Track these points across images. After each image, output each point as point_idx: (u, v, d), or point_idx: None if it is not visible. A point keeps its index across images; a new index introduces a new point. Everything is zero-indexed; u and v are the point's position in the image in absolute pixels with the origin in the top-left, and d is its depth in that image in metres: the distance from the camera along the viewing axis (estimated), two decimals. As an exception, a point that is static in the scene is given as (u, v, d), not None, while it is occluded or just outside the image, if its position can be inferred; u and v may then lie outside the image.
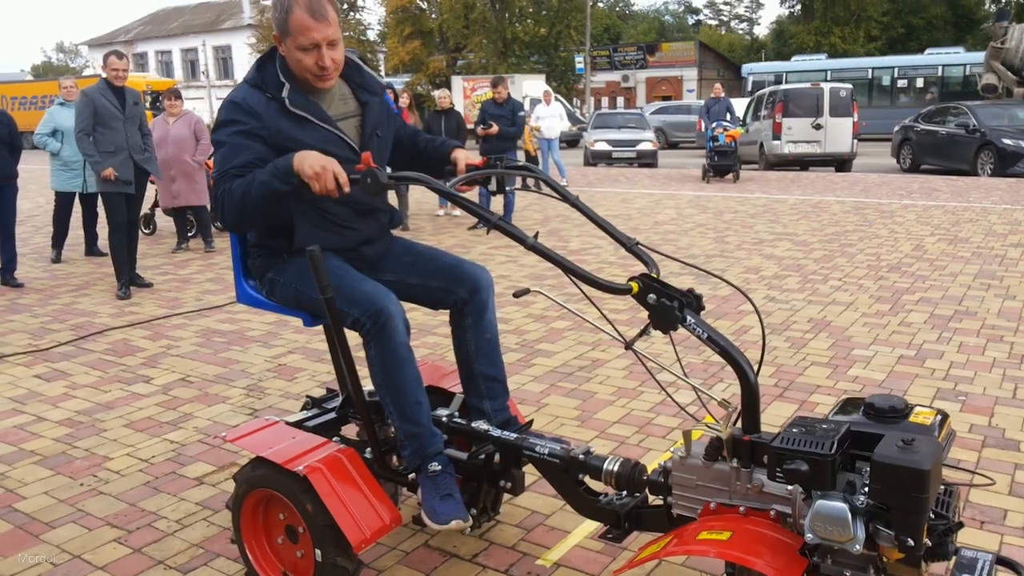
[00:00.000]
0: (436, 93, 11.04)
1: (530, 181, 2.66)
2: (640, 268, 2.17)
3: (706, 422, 2.05)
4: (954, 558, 1.85)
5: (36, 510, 3.16)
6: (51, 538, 2.95)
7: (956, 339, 5.10)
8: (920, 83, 30.29)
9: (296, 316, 2.59)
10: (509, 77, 19.89)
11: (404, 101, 10.82)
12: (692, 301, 2.07)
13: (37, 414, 4.19)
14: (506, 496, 2.84)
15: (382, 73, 43.56)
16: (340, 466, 2.35)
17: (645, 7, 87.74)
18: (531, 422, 2.75)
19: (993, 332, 5.23)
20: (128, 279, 6.92)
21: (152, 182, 8.20)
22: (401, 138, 2.75)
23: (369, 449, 2.53)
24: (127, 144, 6.76)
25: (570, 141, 26.82)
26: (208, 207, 9.01)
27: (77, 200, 8.40)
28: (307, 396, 2.94)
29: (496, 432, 2.52)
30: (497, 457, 2.51)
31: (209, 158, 8.64)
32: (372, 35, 47.40)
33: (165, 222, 10.41)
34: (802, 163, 18.42)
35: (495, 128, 9.79)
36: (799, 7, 50.74)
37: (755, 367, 2.03)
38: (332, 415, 2.80)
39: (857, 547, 1.74)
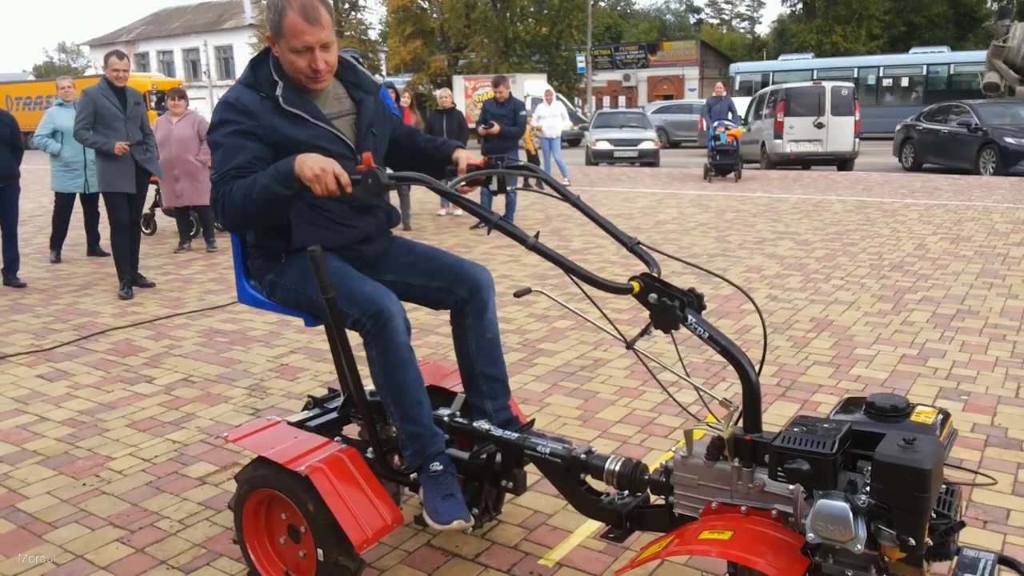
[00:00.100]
0: (438, 93, 11.04)
1: (531, 181, 2.65)
2: (642, 268, 2.17)
3: (708, 421, 2.05)
4: (956, 558, 1.84)
5: (39, 510, 3.16)
6: (54, 538, 2.95)
7: (958, 338, 5.09)
8: (905, 82, 30.36)
9: (297, 316, 2.59)
10: (511, 76, 19.88)
11: (405, 101, 10.83)
12: (693, 300, 2.07)
13: (40, 414, 4.20)
14: (508, 496, 2.84)
15: (384, 73, 43.59)
16: (342, 466, 2.35)
17: (646, 6, 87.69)
18: (533, 422, 2.75)
19: (995, 331, 5.23)
20: (130, 279, 6.93)
21: (154, 182, 8.22)
22: (398, 136, 2.75)
23: (371, 449, 2.54)
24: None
25: (572, 140, 26.80)
26: None
27: (78, 201, 8.41)
28: (309, 396, 2.94)
29: (498, 432, 2.52)
30: (499, 457, 2.51)
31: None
32: (373, 35, 47.47)
33: (166, 222, 10.43)
34: (804, 162, 18.40)
35: (496, 128, 9.79)
36: (800, 6, 50.66)
37: (757, 366, 2.03)
38: (334, 415, 2.80)
39: (859, 547, 1.74)
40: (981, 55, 31.29)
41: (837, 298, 6.19)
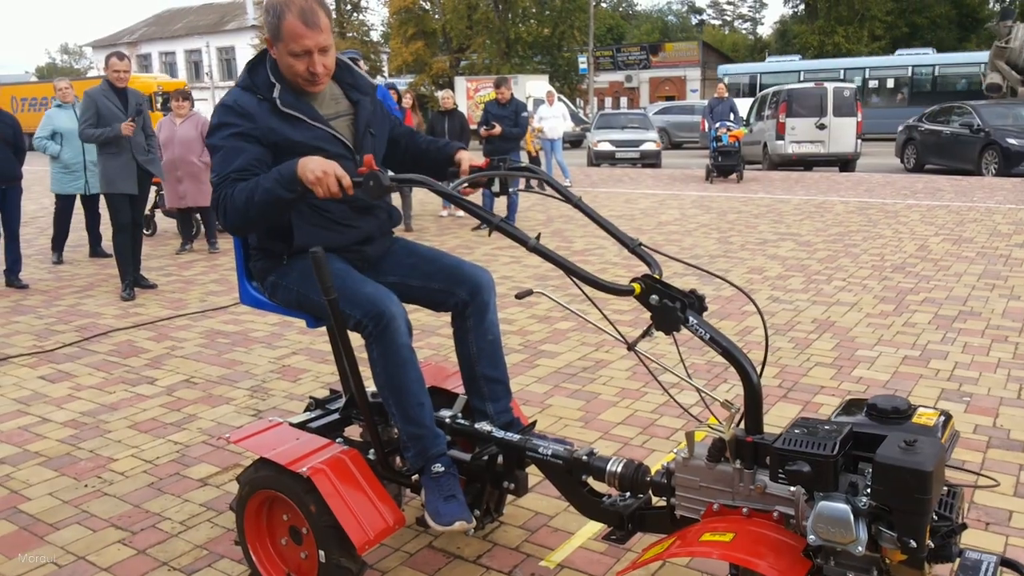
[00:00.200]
0: (439, 94, 11.06)
1: (533, 182, 2.65)
2: (643, 269, 2.17)
3: (709, 423, 2.05)
4: (958, 560, 1.84)
5: (40, 511, 3.17)
6: (55, 539, 2.95)
7: (960, 339, 5.09)
8: (891, 84, 30.41)
9: (299, 318, 2.59)
10: (512, 78, 19.87)
11: (407, 102, 10.84)
12: (695, 302, 2.06)
13: (42, 415, 4.20)
14: (509, 497, 2.84)
15: (385, 74, 43.62)
16: (343, 467, 2.35)
17: (648, 7, 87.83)
18: (534, 423, 2.75)
19: (998, 332, 5.22)
20: (132, 280, 6.93)
21: (156, 183, 8.22)
22: (397, 137, 2.75)
23: (372, 450, 2.54)
24: (130, 145, 6.77)
25: (573, 141, 26.82)
26: None
27: (79, 202, 8.42)
28: (311, 397, 2.94)
29: (499, 433, 2.52)
30: (500, 458, 2.51)
31: None
32: (375, 36, 47.50)
33: (166, 223, 10.44)
34: (806, 163, 18.40)
35: (498, 129, 9.80)
36: (802, 6, 50.64)
37: (758, 368, 2.03)
38: (335, 416, 2.80)
39: (860, 549, 1.74)
40: (966, 56, 31.58)
41: (839, 299, 6.19)
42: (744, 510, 1.98)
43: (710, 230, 9.75)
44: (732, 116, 15.42)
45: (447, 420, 2.63)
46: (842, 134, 17.66)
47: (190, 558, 2.81)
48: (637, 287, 2.04)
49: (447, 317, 2.66)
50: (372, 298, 2.34)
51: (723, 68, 35.69)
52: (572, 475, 2.38)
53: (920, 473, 1.65)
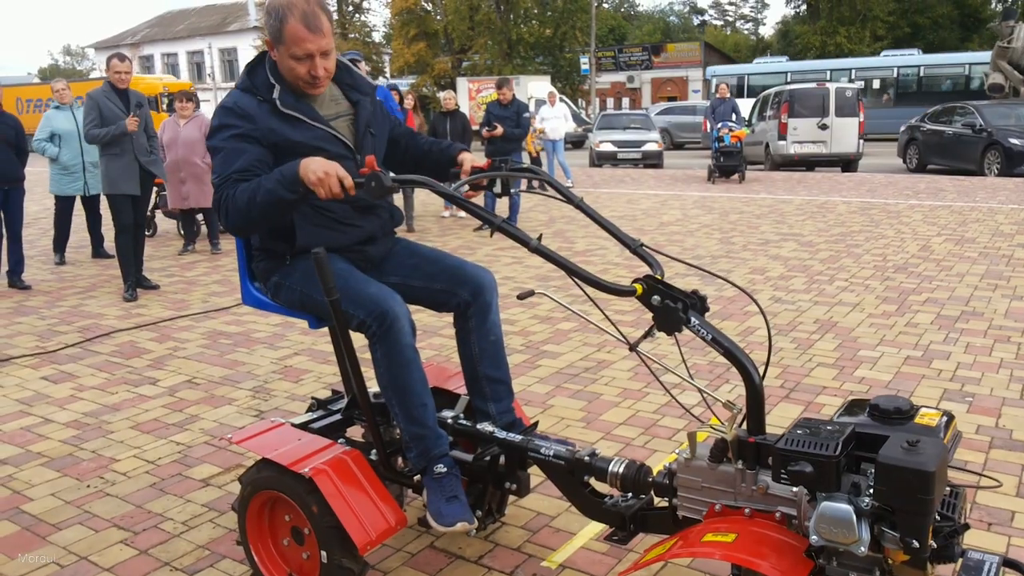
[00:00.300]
0: (441, 95, 11.06)
1: (535, 183, 2.65)
2: (645, 269, 2.17)
3: (711, 424, 2.05)
4: (961, 560, 1.84)
5: (43, 512, 3.17)
6: (58, 539, 2.96)
7: (963, 340, 5.08)
8: (877, 84, 30.48)
9: (302, 318, 2.59)
10: (514, 78, 19.86)
11: (409, 103, 10.85)
12: (696, 302, 2.06)
13: (44, 416, 4.21)
14: (511, 498, 2.85)
15: (387, 75, 43.65)
16: (345, 468, 2.35)
17: (650, 8, 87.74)
18: (536, 423, 2.75)
19: (1000, 333, 5.21)
20: (135, 281, 6.94)
21: (158, 184, 8.22)
22: (397, 137, 2.75)
23: (374, 451, 2.54)
24: (132, 146, 6.78)
25: (575, 142, 26.83)
26: None
27: (79, 203, 8.43)
28: (313, 398, 2.94)
29: (501, 434, 2.52)
30: (502, 459, 2.51)
31: None
32: (377, 37, 47.54)
33: (167, 224, 10.45)
34: (808, 163, 18.38)
35: (500, 130, 9.81)
36: (804, 7, 50.64)
37: (761, 368, 2.03)
38: (338, 417, 2.80)
39: (862, 549, 1.74)
40: (951, 57, 31.74)
41: (841, 300, 6.18)
42: (746, 511, 1.98)
43: (712, 230, 9.75)
44: (734, 116, 15.41)
45: (449, 421, 2.63)
46: (844, 134, 17.64)
47: (192, 558, 2.81)
48: (639, 288, 2.04)
49: (449, 318, 2.66)
50: (376, 298, 2.34)
51: (712, 69, 35.81)
52: (574, 476, 2.38)
53: (923, 473, 1.65)
